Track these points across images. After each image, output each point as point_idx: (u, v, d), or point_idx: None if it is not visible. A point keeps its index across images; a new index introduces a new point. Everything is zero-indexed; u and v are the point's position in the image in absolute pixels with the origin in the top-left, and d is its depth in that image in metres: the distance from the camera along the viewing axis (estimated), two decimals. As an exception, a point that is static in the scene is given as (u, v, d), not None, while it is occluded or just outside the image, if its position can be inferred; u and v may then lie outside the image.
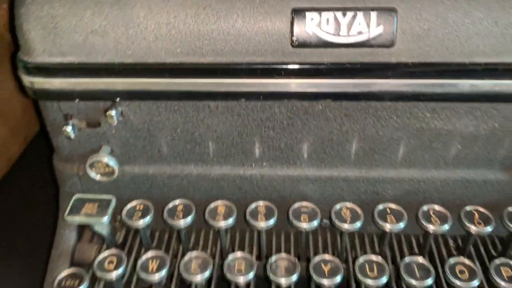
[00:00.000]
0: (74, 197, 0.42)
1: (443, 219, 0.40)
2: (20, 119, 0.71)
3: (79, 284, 0.39)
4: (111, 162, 0.40)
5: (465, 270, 0.39)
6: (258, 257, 0.43)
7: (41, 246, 0.54)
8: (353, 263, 0.39)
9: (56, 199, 0.52)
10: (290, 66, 0.35)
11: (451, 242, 0.45)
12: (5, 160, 0.69)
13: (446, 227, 0.39)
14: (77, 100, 0.39)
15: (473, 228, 0.40)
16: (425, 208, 0.41)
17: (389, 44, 0.35)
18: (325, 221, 0.45)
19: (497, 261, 0.39)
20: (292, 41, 0.35)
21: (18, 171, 0.70)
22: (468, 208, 0.41)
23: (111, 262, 0.40)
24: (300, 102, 0.38)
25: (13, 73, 0.68)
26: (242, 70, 0.35)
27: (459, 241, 0.44)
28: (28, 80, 0.38)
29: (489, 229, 0.39)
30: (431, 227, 0.40)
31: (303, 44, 0.35)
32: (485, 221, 0.40)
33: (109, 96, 0.38)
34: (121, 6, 0.35)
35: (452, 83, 0.36)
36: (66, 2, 0.35)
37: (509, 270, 0.38)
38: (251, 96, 0.37)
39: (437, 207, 0.41)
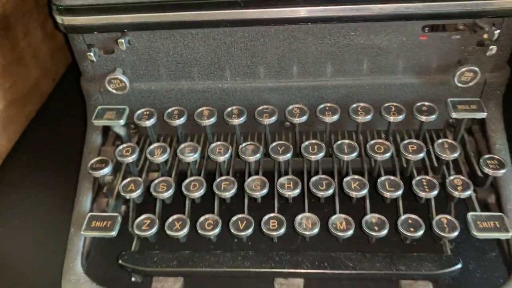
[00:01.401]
0: (98, 108, 0.57)
1: (367, 112, 0.54)
2: (48, 61, 0.85)
3: (105, 166, 0.55)
4: (124, 78, 0.54)
5: (382, 147, 0.53)
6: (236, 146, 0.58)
7: (73, 158, 0.71)
8: (300, 145, 0.54)
9: (82, 125, 0.68)
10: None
11: (383, 135, 0.59)
12: (38, 96, 0.84)
13: (369, 117, 0.54)
14: (96, 32, 0.53)
15: (390, 118, 0.54)
16: (354, 105, 0.55)
17: (317, -20, 0.48)
18: (287, 123, 0.59)
19: (406, 141, 0.53)
20: (248, -19, 0.48)
21: (49, 106, 0.85)
22: (386, 104, 0.55)
23: (127, 151, 0.55)
24: (257, 27, 0.51)
25: (41, 23, 0.82)
26: (213, 4, 0.49)
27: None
28: (60, 18, 0.52)
29: (401, 117, 0.53)
30: (358, 118, 0.54)
31: (255, -17, 0.48)
32: (399, 112, 0.54)
33: (119, 28, 0.51)
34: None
35: (366, 7, 0.48)
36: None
37: (414, 147, 0.53)
38: (221, 24, 0.50)
39: (362, 104, 0.54)
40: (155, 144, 0.55)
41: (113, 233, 0.51)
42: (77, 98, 0.80)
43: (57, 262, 0.55)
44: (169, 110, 0.56)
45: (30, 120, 0.81)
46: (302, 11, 0.49)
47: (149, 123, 0.56)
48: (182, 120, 0.56)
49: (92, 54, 0.53)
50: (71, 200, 0.58)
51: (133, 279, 0.52)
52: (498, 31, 0.49)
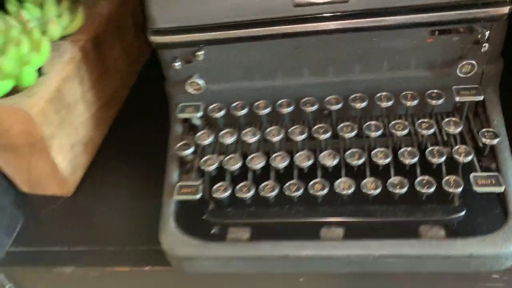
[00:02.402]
0: (179, 105, 0.75)
1: (389, 99, 0.69)
2: (124, 72, 1.03)
3: (188, 148, 0.72)
4: (200, 82, 0.72)
5: (401, 125, 0.68)
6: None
7: (151, 148, 0.88)
8: (336, 126, 0.69)
9: (154, 122, 0.86)
10: (292, 18, 0.65)
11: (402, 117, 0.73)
12: (118, 102, 1.02)
13: (390, 103, 0.69)
14: (177, 48, 0.70)
15: (407, 103, 0.68)
16: (378, 94, 0.70)
17: (345, 0, 0.63)
18: (325, 111, 0.75)
19: (420, 120, 0.68)
20: (292, 3, 0.64)
21: (126, 109, 1.03)
22: (403, 92, 0.69)
23: (204, 136, 0.72)
24: (300, 38, 0.67)
25: (120, 41, 1.01)
26: (267, 22, 0.65)
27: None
28: (152, 38, 0.69)
29: (416, 102, 0.68)
30: (382, 105, 0.69)
31: (298, 5, 0.64)
32: (414, 98, 0.68)
33: (197, 44, 0.68)
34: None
35: (384, 19, 0.63)
36: (173, -6, 0.66)
37: (427, 124, 0.67)
38: (273, 37, 0.66)
39: (384, 93, 0.69)
40: (224, 131, 0.72)
41: (198, 196, 0.68)
42: (148, 102, 1.00)
43: (150, 225, 0.73)
44: (234, 104, 0.73)
45: (113, 120, 0.99)
46: (335, 25, 0.64)
47: (219, 115, 0.73)
48: (244, 111, 0.72)
49: (177, 64, 0.70)
50: (154, 179, 0.75)
51: (213, 231, 0.69)
52: (488, 31, 0.63)
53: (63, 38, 0.84)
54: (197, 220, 0.70)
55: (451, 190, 0.63)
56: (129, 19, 1.03)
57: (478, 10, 0.62)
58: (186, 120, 0.77)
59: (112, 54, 0.97)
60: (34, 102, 0.72)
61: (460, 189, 0.63)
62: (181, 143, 0.73)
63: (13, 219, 0.83)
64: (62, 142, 0.81)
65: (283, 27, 0.65)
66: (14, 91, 0.74)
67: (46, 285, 0.81)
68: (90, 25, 0.88)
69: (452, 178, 0.64)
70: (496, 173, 0.63)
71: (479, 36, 0.64)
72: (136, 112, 1.01)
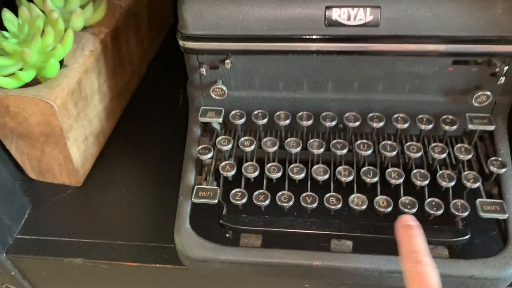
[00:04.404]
0: (201, 108, 0.76)
1: (405, 121, 0.72)
2: (137, 63, 1.03)
3: (208, 152, 0.73)
4: (224, 88, 0.73)
5: (415, 148, 0.71)
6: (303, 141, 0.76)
7: (160, 142, 0.90)
8: (354, 143, 0.72)
9: (163, 116, 0.90)
10: (323, 37, 0.67)
11: (415, 139, 0.77)
12: (129, 92, 1.02)
13: (406, 125, 0.72)
14: (206, 54, 0.71)
15: (422, 126, 0.72)
16: (395, 115, 0.73)
17: (376, 25, 0.65)
18: (340, 125, 0.78)
19: (433, 144, 0.71)
20: (324, 23, 0.66)
21: (136, 100, 1.02)
22: (420, 116, 0.72)
23: (224, 141, 0.74)
24: (328, 56, 0.69)
25: (135, 32, 1.00)
26: (298, 39, 0.67)
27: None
28: (182, 42, 0.70)
29: (430, 126, 0.71)
30: (398, 126, 0.72)
31: (330, 25, 0.66)
32: (429, 122, 0.72)
33: (225, 52, 0.69)
34: (235, 7, 0.66)
35: (410, 46, 0.66)
36: (207, 3, 0.67)
37: (439, 148, 0.71)
38: (303, 53, 0.68)
39: (402, 115, 0.72)
40: (244, 137, 0.74)
41: (215, 201, 0.70)
42: (157, 94, 1.01)
43: (157, 221, 0.76)
44: (255, 112, 0.75)
45: (123, 111, 1.00)
46: (364, 47, 0.67)
47: (240, 122, 0.74)
48: (264, 121, 0.74)
49: (203, 70, 0.71)
50: (161, 174, 0.81)
51: (227, 235, 0.71)
52: (507, 67, 0.67)
53: (83, 29, 0.83)
54: (211, 223, 0.72)
55: (458, 213, 0.66)
56: (145, 10, 1.03)
57: (499, 46, 0.65)
58: (204, 123, 0.79)
59: (127, 45, 0.97)
60: (57, 94, 0.72)
61: (466, 213, 0.66)
62: (202, 146, 0.74)
63: (22, 206, 0.83)
64: (77, 134, 0.81)
65: (314, 44, 0.67)
66: (34, 81, 0.74)
67: (52, 273, 0.82)
68: (110, 17, 0.88)
69: (459, 202, 0.68)
70: (500, 200, 0.68)
71: (496, 70, 0.68)
72: (146, 104, 1.01)
